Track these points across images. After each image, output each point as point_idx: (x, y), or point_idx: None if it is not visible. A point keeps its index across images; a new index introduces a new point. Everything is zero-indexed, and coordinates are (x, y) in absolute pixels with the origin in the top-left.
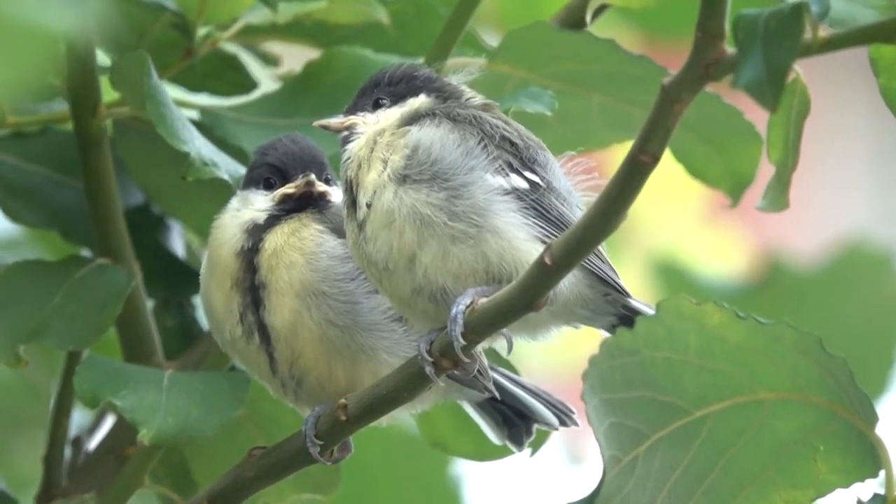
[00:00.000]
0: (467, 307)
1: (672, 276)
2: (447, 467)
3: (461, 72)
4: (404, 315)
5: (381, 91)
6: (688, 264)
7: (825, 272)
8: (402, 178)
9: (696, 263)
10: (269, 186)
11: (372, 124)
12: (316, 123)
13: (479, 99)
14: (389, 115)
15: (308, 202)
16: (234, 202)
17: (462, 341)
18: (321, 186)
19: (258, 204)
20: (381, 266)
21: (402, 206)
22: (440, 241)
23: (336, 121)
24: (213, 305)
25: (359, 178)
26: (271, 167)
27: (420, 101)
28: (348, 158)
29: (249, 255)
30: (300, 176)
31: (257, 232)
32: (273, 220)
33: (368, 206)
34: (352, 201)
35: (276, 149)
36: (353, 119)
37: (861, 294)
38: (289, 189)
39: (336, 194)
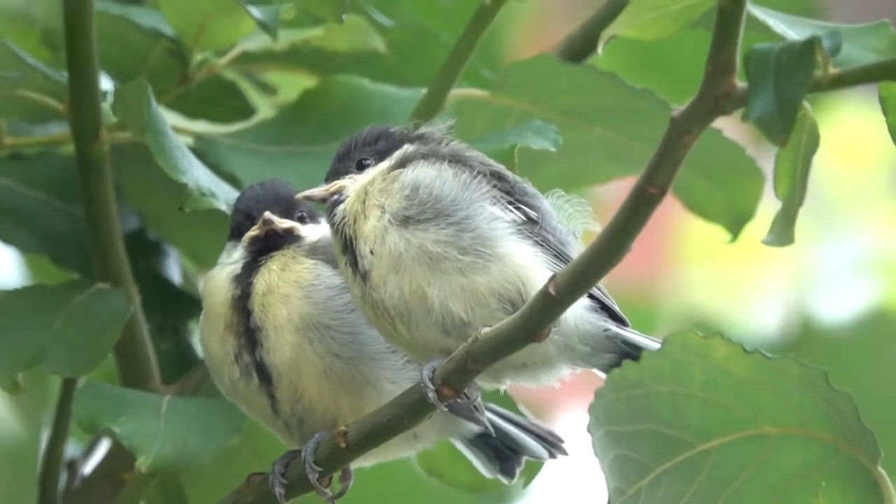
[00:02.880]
0: (433, 370)
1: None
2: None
3: (437, 123)
4: (419, 360)
5: (361, 152)
6: (721, 320)
7: (856, 332)
8: (405, 220)
9: (730, 320)
10: (241, 234)
11: (360, 180)
12: (299, 195)
13: (456, 142)
14: (377, 169)
15: (276, 241)
16: (223, 255)
17: (432, 386)
18: (284, 223)
19: (235, 254)
20: (394, 312)
21: (410, 247)
22: (451, 274)
23: (319, 190)
24: (210, 350)
25: (356, 231)
26: (241, 214)
27: (406, 150)
28: (342, 218)
29: (241, 301)
30: (260, 217)
31: (242, 279)
32: (251, 266)
33: (372, 252)
34: (353, 257)
35: (244, 195)
36: (339, 183)
37: (891, 355)
38: (252, 232)
39: (308, 230)
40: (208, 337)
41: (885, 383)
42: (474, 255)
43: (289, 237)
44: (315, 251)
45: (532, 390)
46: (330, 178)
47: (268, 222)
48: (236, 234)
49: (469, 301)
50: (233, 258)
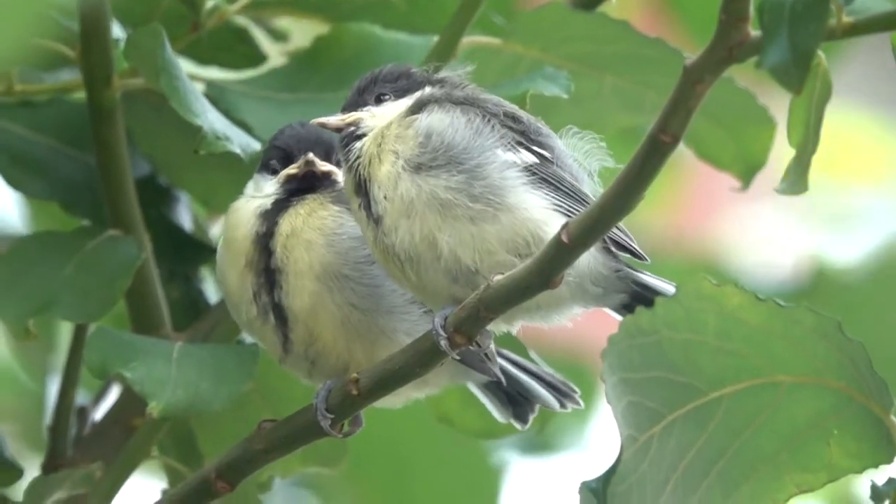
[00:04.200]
0: (445, 318)
1: (718, 277)
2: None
3: (456, 67)
4: (429, 305)
5: (381, 87)
6: (734, 265)
7: (868, 278)
8: (418, 167)
9: (743, 265)
10: (277, 170)
11: (379, 117)
12: (314, 121)
13: (473, 86)
14: (396, 108)
15: (312, 182)
16: (250, 186)
17: (443, 334)
18: (324, 166)
19: (266, 188)
20: (404, 257)
21: (422, 193)
22: (461, 222)
23: (335, 119)
24: (228, 285)
25: (370, 174)
26: (278, 151)
27: (426, 92)
28: (358, 156)
29: (264, 239)
30: (302, 156)
31: (270, 216)
32: (282, 204)
33: (386, 198)
34: (367, 200)
35: (283, 133)
36: (356, 115)
37: None
38: (291, 170)
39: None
40: (227, 270)
41: None
42: (484, 202)
43: (326, 181)
44: (340, 198)
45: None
46: (347, 108)
47: (310, 163)
48: (270, 169)
49: (478, 249)
50: (263, 192)
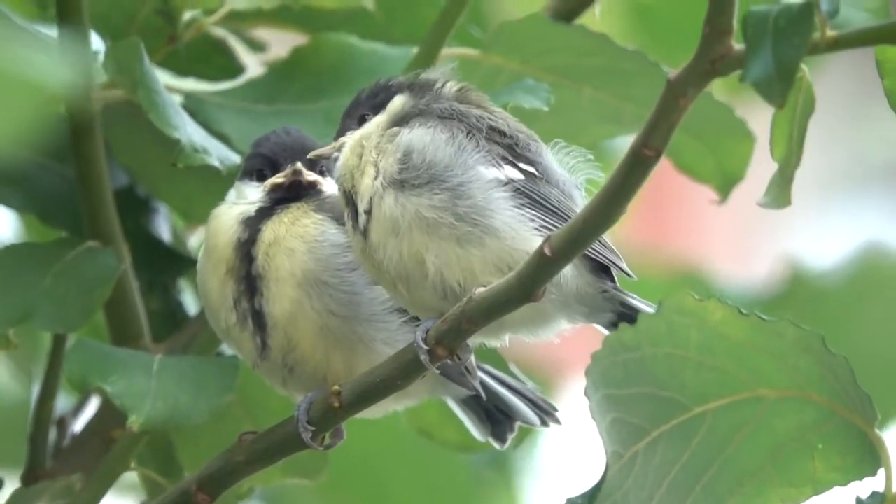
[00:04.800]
0: (427, 331)
1: (696, 285)
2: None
3: (439, 68)
4: (421, 316)
5: (362, 108)
6: (711, 273)
7: (845, 282)
8: (400, 184)
9: (720, 272)
10: (262, 177)
11: (357, 134)
12: (311, 155)
13: (452, 85)
14: (373, 122)
15: (298, 191)
16: (232, 193)
17: (424, 347)
18: (310, 175)
19: (251, 196)
20: (394, 274)
21: (406, 212)
22: (448, 242)
23: (327, 148)
24: (208, 292)
25: (354, 186)
26: (263, 158)
27: (398, 101)
28: (341, 174)
29: (246, 245)
30: (289, 165)
31: (253, 223)
32: (266, 212)
33: (366, 212)
34: (353, 211)
35: (269, 140)
36: (342, 139)
37: (879, 305)
38: (278, 178)
39: (329, 185)
40: (208, 278)
41: (875, 331)
42: (470, 223)
43: (311, 190)
44: (322, 207)
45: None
46: (337, 135)
47: (297, 172)
48: (254, 177)
49: (463, 270)
50: (247, 198)
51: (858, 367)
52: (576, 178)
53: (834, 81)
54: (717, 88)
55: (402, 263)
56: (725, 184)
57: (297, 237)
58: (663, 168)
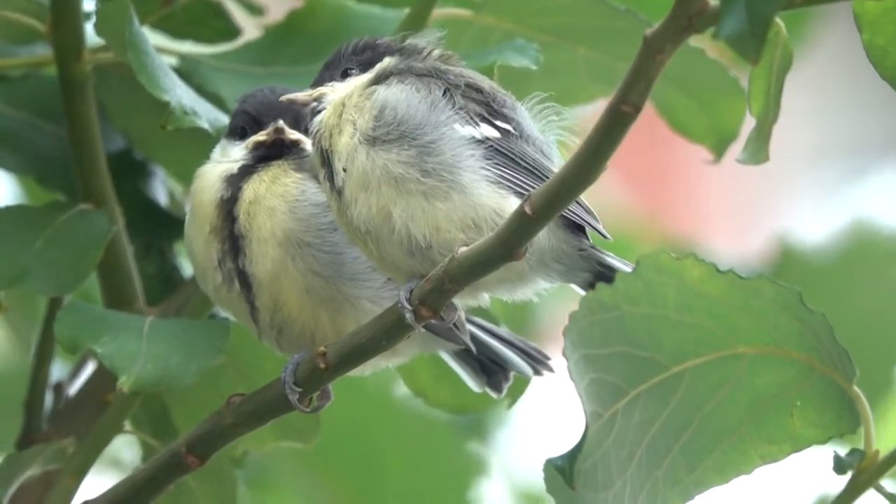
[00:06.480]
0: (411, 291)
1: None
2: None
3: (426, 35)
4: (391, 277)
5: (347, 61)
6: (704, 248)
7: (835, 258)
8: (373, 140)
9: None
10: (245, 135)
11: (340, 90)
12: (283, 98)
13: (437, 51)
14: (358, 81)
15: (281, 150)
16: (216, 151)
17: (409, 307)
18: (293, 134)
19: (233, 154)
20: (364, 229)
21: (375, 167)
22: (415, 197)
23: (303, 94)
24: (194, 252)
25: (331, 146)
26: (247, 116)
27: (386, 63)
28: (319, 129)
29: (228, 204)
30: (272, 123)
31: (234, 181)
32: (248, 170)
33: (345, 170)
34: (329, 171)
35: (253, 97)
36: (321, 90)
37: (870, 281)
38: (260, 136)
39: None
40: (194, 238)
41: (865, 306)
42: (437, 178)
43: (294, 149)
44: (303, 166)
45: None
46: (315, 85)
47: (280, 131)
48: (237, 134)
49: (429, 225)
50: (230, 157)
51: (849, 341)
52: (547, 136)
53: (829, 57)
54: (713, 48)
55: (370, 217)
56: (720, 143)
57: (278, 196)
58: (659, 145)
